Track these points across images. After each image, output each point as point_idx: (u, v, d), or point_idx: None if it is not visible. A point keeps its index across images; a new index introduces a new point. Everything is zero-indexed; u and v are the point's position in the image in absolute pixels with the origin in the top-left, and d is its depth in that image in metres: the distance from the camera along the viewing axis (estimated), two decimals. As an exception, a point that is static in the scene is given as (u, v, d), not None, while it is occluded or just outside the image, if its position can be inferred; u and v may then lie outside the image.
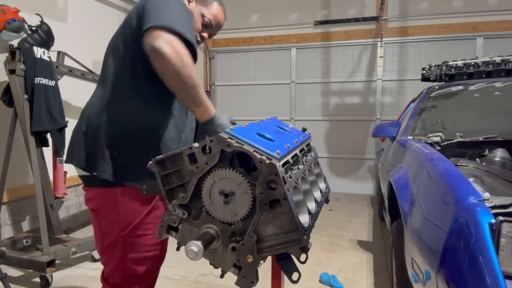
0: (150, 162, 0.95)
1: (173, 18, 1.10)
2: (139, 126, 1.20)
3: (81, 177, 1.28)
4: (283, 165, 0.91)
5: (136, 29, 1.17)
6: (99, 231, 1.26)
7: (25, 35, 2.68)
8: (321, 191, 1.19)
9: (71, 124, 2.94)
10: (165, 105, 1.25)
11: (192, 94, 1.10)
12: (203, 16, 1.37)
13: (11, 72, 2.54)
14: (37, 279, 2.49)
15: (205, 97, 1.13)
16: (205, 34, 1.40)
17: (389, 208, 2.14)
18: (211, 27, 1.40)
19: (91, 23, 3.99)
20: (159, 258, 1.30)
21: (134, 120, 1.20)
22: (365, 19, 5.32)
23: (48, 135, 2.73)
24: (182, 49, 1.08)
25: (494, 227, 0.95)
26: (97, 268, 2.72)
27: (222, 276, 0.97)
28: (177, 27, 1.09)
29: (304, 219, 0.94)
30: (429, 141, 2.17)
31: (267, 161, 0.83)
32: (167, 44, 1.05)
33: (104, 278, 1.28)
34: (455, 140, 2.19)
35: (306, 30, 5.63)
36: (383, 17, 5.21)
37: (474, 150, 2.19)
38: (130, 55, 1.21)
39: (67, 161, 1.28)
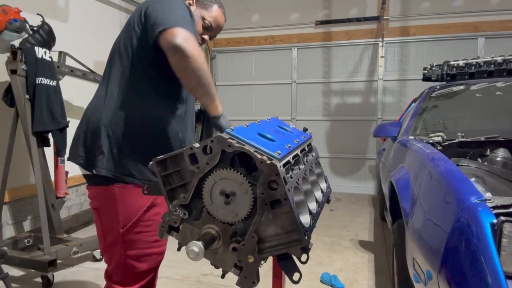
0: (151, 162, 0.95)
1: (181, 21, 1.14)
2: (140, 124, 1.23)
3: (84, 176, 1.30)
4: (284, 165, 0.91)
5: (141, 36, 1.21)
6: (101, 230, 1.29)
7: (26, 35, 2.68)
8: (322, 191, 1.19)
9: (73, 124, 2.96)
10: (165, 105, 1.28)
11: (209, 91, 1.18)
12: (203, 19, 1.40)
13: (13, 72, 2.54)
14: (39, 279, 2.49)
15: (216, 93, 1.22)
16: (205, 36, 1.44)
17: (390, 208, 2.14)
18: (211, 30, 1.43)
19: (92, 23, 4.00)
20: (160, 254, 1.33)
21: (134, 118, 1.23)
22: (366, 19, 5.31)
23: (50, 135, 2.73)
24: (198, 47, 1.12)
25: (495, 227, 0.94)
26: (99, 268, 2.73)
27: (223, 276, 0.97)
28: (188, 28, 1.12)
29: (305, 219, 0.93)
30: (431, 141, 2.16)
31: (268, 162, 0.83)
32: (186, 41, 1.08)
33: (108, 275, 1.31)
34: (457, 140, 2.18)
35: (307, 30, 5.62)
36: (384, 17, 5.20)
37: (475, 150, 2.19)
38: (133, 60, 1.25)
39: (68, 159, 1.31)
